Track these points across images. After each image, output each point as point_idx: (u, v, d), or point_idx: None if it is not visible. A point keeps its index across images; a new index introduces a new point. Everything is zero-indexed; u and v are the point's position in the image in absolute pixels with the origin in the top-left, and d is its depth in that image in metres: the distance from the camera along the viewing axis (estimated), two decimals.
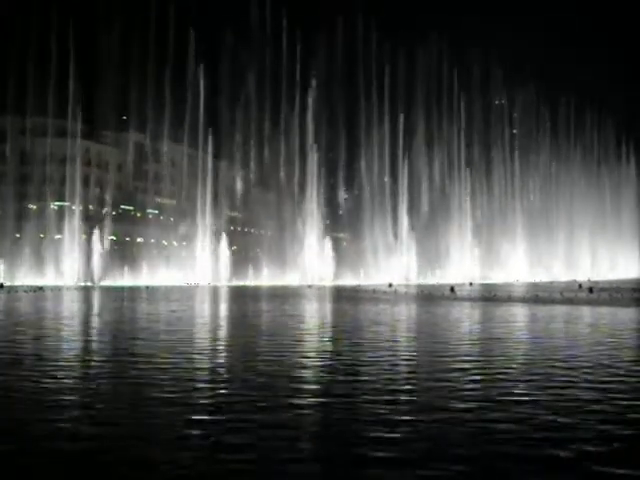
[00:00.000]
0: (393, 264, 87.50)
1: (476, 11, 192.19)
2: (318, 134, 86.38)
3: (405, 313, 27.85)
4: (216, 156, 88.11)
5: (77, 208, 76.13)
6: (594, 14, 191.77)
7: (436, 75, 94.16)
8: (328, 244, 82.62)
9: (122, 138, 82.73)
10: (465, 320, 23.72)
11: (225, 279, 77.78)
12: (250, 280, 78.78)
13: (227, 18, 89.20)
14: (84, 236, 76.55)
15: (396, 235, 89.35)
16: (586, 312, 27.31)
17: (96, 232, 76.66)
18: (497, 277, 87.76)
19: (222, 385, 9.87)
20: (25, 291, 51.66)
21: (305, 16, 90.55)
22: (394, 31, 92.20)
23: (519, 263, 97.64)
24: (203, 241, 79.04)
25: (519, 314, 26.56)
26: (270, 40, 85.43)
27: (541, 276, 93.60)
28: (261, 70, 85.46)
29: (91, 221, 78.04)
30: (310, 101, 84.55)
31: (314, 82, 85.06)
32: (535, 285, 70.47)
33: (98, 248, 75.69)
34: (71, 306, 33.65)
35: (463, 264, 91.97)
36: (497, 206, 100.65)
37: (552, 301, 35.12)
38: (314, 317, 25.74)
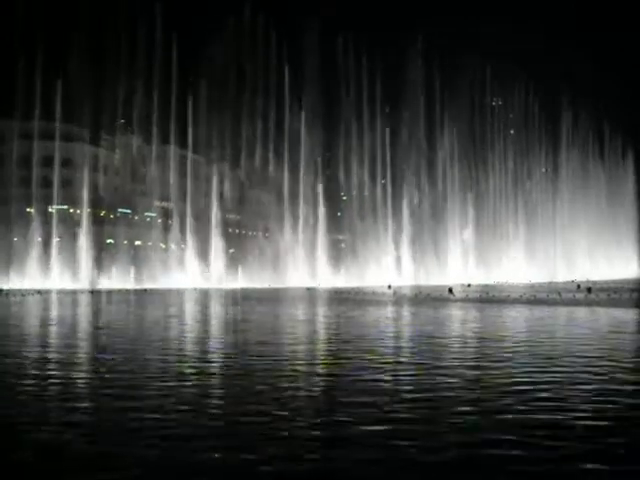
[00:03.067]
0: (390, 266, 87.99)
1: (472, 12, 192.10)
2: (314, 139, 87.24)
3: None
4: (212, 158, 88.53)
5: (75, 211, 76.20)
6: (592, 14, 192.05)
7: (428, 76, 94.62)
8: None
9: (120, 141, 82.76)
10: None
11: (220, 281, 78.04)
12: (246, 282, 78.82)
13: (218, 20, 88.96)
14: (82, 239, 76.51)
15: (393, 237, 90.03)
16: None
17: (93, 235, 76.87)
18: (489, 278, 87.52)
19: None
20: (23, 295, 51.57)
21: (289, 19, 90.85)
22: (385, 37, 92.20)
23: (516, 263, 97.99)
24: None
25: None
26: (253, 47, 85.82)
27: (538, 276, 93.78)
28: (252, 73, 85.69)
29: (89, 224, 78.05)
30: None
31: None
32: (532, 286, 70.49)
33: (95, 251, 75.96)
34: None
35: (458, 265, 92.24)
36: (494, 206, 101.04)
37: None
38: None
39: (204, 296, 51.81)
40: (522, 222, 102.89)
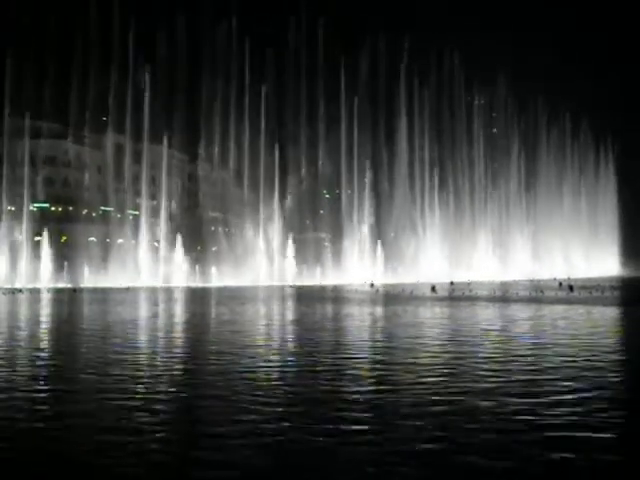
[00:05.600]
0: (371, 264, 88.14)
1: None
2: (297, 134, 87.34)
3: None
4: (195, 156, 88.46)
5: (56, 209, 75.57)
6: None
7: (414, 76, 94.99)
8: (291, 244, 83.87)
9: (101, 139, 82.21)
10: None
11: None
12: (227, 281, 78.59)
13: (203, 20, 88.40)
14: (63, 238, 75.85)
15: (375, 235, 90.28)
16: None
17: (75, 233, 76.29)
18: (471, 276, 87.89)
19: None
20: (4, 293, 51.01)
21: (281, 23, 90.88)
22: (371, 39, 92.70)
23: (498, 261, 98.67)
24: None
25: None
26: (246, 46, 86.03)
27: (518, 274, 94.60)
28: (239, 73, 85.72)
29: (70, 222, 77.48)
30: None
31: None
32: (516, 283, 71.06)
33: (77, 249, 75.26)
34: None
35: (440, 263, 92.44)
36: (476, 206, 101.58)
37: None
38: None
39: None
40: (503, 221, 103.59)
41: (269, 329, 21.43)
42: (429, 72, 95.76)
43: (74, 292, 54.67)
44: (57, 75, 76.04)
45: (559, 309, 28.43)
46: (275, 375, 11.42)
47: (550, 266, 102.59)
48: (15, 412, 8.68)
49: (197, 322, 24.38)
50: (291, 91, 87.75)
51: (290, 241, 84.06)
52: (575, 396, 9.27)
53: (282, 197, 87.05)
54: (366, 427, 7.74)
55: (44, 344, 16.83)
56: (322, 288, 64.18)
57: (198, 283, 75.82)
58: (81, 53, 77.81)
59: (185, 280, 76.61)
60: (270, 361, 13.15)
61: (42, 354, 14.71)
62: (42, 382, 11.11)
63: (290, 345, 16.20)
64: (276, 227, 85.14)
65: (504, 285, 65.09)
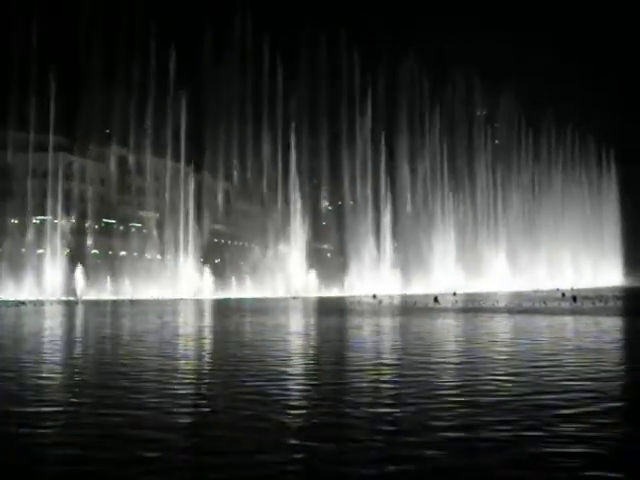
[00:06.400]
0: (374, 275, 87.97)
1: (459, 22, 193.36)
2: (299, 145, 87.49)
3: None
4: (198, 168, 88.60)
5: (59, 222, 75.71)
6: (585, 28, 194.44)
7: (417, 88, 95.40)
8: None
9: (105, 152, 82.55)
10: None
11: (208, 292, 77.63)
12: (231, 293, 78.67)
13: (209, 32, 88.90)
14: (67, 250, 75.94)
15: (378, 246, 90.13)
16: None
17: (78, 246, 76.27)
18: (474, 287, 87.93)
19: None
20: (8, 306, 50.90)
21: (285, 32, 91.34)
22: (374, 48, 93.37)
23: (501, 272, 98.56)
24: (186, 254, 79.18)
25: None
26: (250, 54, 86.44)
27: (523, 284, 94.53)
28: (242, 82, 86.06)
29: (73, 235, 77.52)
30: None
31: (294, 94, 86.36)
32: (519, 294, 70.99)
33: (80, 262, 75.29)
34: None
35: (444, 274, 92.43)
36: (479, 216, 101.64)
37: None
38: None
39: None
40: (505, 231, 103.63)
41: (275, 343, 21.41)
42: (433, 78, 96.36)
43: (76, 305, 54.62)
44: (61, 89, 76.50)
45: (563, 320, 28.38)
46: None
47: (553, 277, 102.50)
48: None
49: (205, 336, 24.37)
50: (295, 102, 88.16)
51: (295, 253, 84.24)
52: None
53: (285, 208, 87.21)
54: None
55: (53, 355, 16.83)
56: (325, 299, 64.17)
57: (202, 296, 75.77)
58: (85, 66, 78.40)
59: (189, 293, 76.58)
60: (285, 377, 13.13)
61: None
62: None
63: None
64: (281, 239, 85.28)
65: (508, 296, 65.01)
